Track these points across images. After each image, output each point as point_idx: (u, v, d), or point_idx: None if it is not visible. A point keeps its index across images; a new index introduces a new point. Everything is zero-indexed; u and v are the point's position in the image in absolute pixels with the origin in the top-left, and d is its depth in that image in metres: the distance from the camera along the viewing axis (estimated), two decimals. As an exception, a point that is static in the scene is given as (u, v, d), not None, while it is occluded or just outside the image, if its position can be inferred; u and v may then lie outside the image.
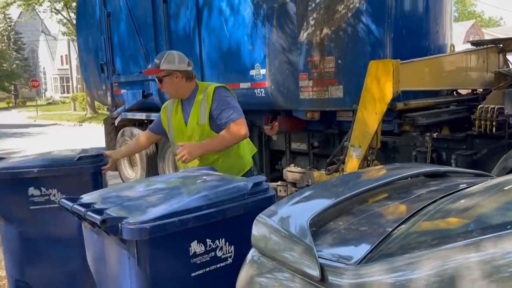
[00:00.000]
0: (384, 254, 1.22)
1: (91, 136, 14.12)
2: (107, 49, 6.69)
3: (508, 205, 1.40)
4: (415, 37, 4.66)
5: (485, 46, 4.74)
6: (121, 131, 6.83)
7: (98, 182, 2.91)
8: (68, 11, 23.35)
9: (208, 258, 1.77)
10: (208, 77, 5.27)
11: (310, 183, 4.54)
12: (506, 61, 4.79)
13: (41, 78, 51.20)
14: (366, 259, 1.21)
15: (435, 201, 1.58)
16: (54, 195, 2.77)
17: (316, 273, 1.22)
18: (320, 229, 1.52)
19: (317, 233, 1.47)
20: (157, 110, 6.35)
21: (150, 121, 6.63)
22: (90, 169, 2.86)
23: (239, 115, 2.77)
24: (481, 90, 4.74)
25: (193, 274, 1.74)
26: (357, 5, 4.26)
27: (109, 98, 6.96)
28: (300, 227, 1.39)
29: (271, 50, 4.54)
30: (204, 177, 2.15)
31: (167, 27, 5.65)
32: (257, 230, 1.51)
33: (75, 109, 28.24)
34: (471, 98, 4.67)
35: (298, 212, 1.60)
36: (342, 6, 4.34)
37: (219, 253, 1.79)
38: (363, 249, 1.26)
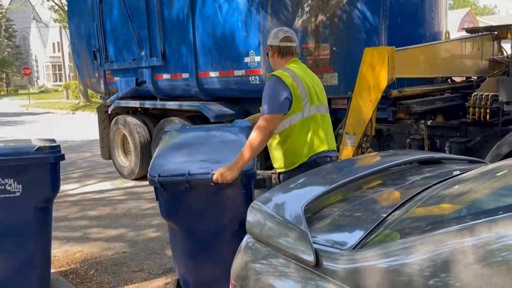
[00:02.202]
0: (378, 239, 1.22)
1: (84, 125, 14.03)
2: (100, 36, 6.60)
3: (501, 191, 1.40)
4: (410, 24, 4.63)
5: (479, 34, 4.73)
6: (114, 119, 6.78)
7: (56, 172, 2.92)
8: (59, -2, 22.98)
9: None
10: (202, 64, 5.23)
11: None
12: (500, 48, 4.79)
13: (33, 66, 50.61)
14: (361, 245, 1.22)
15: (429, 187, 1.59)
16: (11, 185, 2.77)
17: (311, 258, 1.22)
18: (314, 215, 1.52)
19: (312, 219, 1.47)
20: (151, 98, 6.36)
21: (144, 109, 6.60)
22: (50, 159, 2.85)
23: (269, 109, 2.49)
24: (475, 77, 4.74)
25: None
26: (352, -9, 4.23)
27: (102, 86, 6.89)
28: (295, 213, 1.39)
29: (265, 37, 4.49)
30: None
31: (160, 14, 5.58)
32: (252, 216, 1.50)
33: (68, 97, 28.00)
34: (465, 86, 4.67)
35: (293, 198, 1.61)
36: (337, -8, 4.30)
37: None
38: (357, 234, 1.27)
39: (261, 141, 2.47)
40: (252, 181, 2.53)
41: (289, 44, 2.71)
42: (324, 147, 2.62)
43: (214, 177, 2.37)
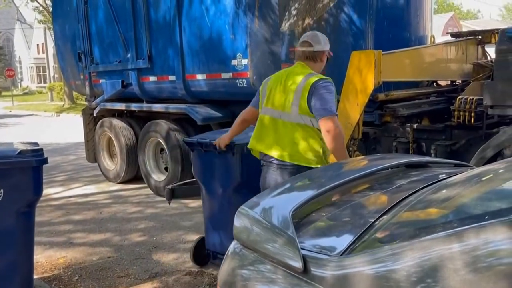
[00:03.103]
0: (366, 245, 1.21)
1: (69, 127, 13.83)
2: (85, 37, 6.52)
3: (487, 195, 1.41)
4: (396, 28, 4.68)
5: (464, 38, 4.79)
6: (100, 121, 6.69)
7: (39, 176, 2.87)
8: (44, -2, 22.69)
9: None
10: (189, 67, 5.20)
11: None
12: (484, 53, 4.86)
13: (16, 68, 49.75)
14: (349, 250, 1.21)
15: (416, 192, 1.59)
16: None
17: (298, 264, 1.21)
18: (302, 220, 1.51)
19: (300, 224, 1.46)
20: (137, 100, 6.30)
21: (130, 112, 6.53)
22: (32, 163, 2.79)
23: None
24: (460, 81, 4.80)
25: None
26: (339, -5, 4.25)
27: (87, 88, 6.79)
28: (282, 219, 1.38)
29: (253, 40, 4.49)
30: None
31: (146, 16, 5.54)
32: (239, 221, 1.48)
33: (52, 99, 27.58)
34: (450, 89, 4.73)
35: (281, 203, 1.59)
36: (324, -4, 4.31)
37: None
38: (345, 240, 1.26)
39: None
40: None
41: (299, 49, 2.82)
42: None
43: None
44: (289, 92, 2.67)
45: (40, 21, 26.91)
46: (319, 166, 2.64)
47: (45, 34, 31.92)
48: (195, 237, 3.89)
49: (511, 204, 1.21)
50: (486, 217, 1.15)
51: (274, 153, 2.69)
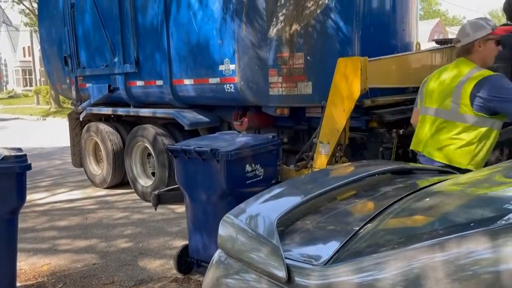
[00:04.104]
0: (351, 254, 1.21)
1: (55, 131, 13.66)
2: (71, 41, 6.45)
3: (471, 203, 1.42)
4: (382, 35, 4.72)
5: (449, 45, 4.86)
6: (86, 126, 6.62)
7: (22, 182, 2.84)
8: (30, 1, 22.44)
9: None
10: (176, 71, 5.18)
11: (279, 180, 4.54)
12: (468, 59, 4.92)
13: (2, 71, 49.08)
14: (333, 260, 1.21)
15: (401, 199, 1.59)
16: None
17: (282, 274, 1.20)
18: (287, 228, 1.51)
19: (285, 233, 1.45)
20: (124, 105, 6.25)
21: (117, 116, 6.47)
22: (15, 169, 2.76)
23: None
24: (445, 87, 4.86)
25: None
26: (326, 1, 4.27)
27: (73, 92, 6.73)
28: (267, 227, 1.37)
29: (240, 45, 4.50)
30: None
31: (134, 20, 5.51)
32: (224, 230, 1.48)
33: (38, 103, 27.23)
34: (435, 96, 4.78)
35: (266, 211, 1.58)
36: (311, 2, 4.33)
37: None
38: (330, 249, 1.26)
39: None
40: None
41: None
42: None
43: None
44: (447, 89, 2.59)
45: (26, 24, 26.63)
46: (471, 168, 2.51)
47: (31, 37, 31.55)
48: (181, 243, 3.87)
49: (493, 213, 1.22)
50: (470, 226, 1.16)
51: (425, 149, 2.69)
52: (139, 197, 5.78)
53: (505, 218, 1.11)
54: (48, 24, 7.11)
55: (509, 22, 3.48)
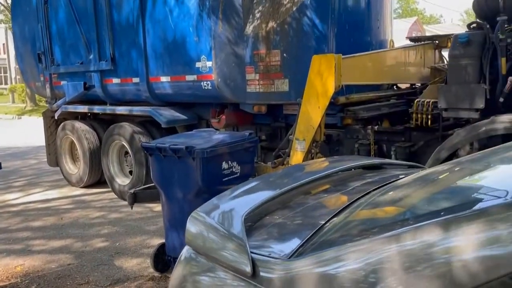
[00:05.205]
0: (314, 247, 1.23)
1: (30, 130, 13.37)
2: (45, 38, 6.32)
3: (433, 196, 1.46)
4: (357, 32, 4.78)
5: (422, 43, 4.95)
6: (61, 124, 6.50)
7: None
8: (4, -3, 21.86)
9: None
10: (153, 69, 5.13)
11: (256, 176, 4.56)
12: (441, 57, 5.04)
13: (-25, 68, 47.76)
14: (297, 253, 1.22)
15: (367, 193, 1.63)
16: None
17: (248, 269, 1.21)
18: (256, 223, 1.52)
19: (253, 228, 1.47)
20: (101, 102, 6.16)
21: (94, 115, 6.38)
22: None
23: None
24: (419, 84, 4.95)
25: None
26: (302, -1, 4.30)
27: (47, 90, 6.59)
28: (234, 223, 1.38)
29: (217, 42, 4.49)
30: None
31: (109, 16, 5.43)
32: (192, 226, 1.48)
33: (13, 101, 26.61)
34: (409, 92, 4.87)
35: (234, 207, 1.59)
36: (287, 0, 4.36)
37: None
38: (294, 243, 1.28)
39: None
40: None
41: None
42: None
43: None
44: None
45: (1, 21, 25.92)
46: None
47: (6, 34, 30.77)
48: (159, 241, 3.84)
49: (449, 204, 1.26)
50: (428, 217, 1.19)
51: None
52: (116, 196, 5.71)
53: (463, 209, 1.14)
54: (22, 21, 6.95)
55: (478, 20, 3.57)
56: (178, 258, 1.47)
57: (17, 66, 31.02)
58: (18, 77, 34.00)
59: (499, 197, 1.18)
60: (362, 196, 1.60)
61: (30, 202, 5.69)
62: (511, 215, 0.98)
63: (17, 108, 22.60)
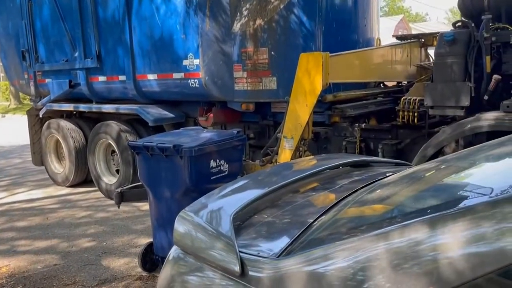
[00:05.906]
0: (303, 246, 1.23)
1: (15, 129, 13.15)
2: (29, 35, 6.22)
3: (419, 194, 1.47)
4: (345, 30, 4.80)
5: (408, 41, 4.99)
6: (46, 123, 6.40)
7: None
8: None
9: None
10: (139, 66, 5.08)
11: (245, 175, 4.56)
12: (427, 55, 5.08)
13: (-43, 65, 46.86)
14: (286, 252, 1.22)
15: (355, 191, 1.63)
16: None
17: (236, 268, 1.21)
18: (244, 222, 1.52)
19: (241, 227, 1.46)
20: (86, 101, 6.08)
21: (80, 113, 6.30)
22: None
23: None
24: (405, 82, 4.99)
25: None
26: (289, -3, 4.30)
27: (32, 88, 6.49)
28: (222, 222, 1.38)
29: (204, 40, 4.46)
30: None
31: (94, 13, 5.36)
32: (180, 226, 1.47)
33: (-3, 99, 26.22)
34: (396, 90, 4.91)
35: (223, 206, 1.59)
36: (275, -3, 4.35)
37: None
38: (283, 241, 1.28)
39: None
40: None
41: None
42: None
43: None
44: None
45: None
46: None
47: (-12, 30, 30.12)
48: (146, 241, 3.81)
49: (436, 202, 1.27)
50: (415, 215, 1.20)
51: None
52: (103, 195, 5.66)
53: (449, 206, 1.15)
54: (5, 17, 6.82)
55: (463, 19, 3.61)
56: (166, 258, 1.46)
57: (1, 64, 30.50)
58: (1, 74, 33.41)
59: (485, 195, 1.19)
60: (350, 194, 1.60)
61: (14, 202, 5.60)
62: (497, 213, 0.99)
63: (1, 106, 22.22)
